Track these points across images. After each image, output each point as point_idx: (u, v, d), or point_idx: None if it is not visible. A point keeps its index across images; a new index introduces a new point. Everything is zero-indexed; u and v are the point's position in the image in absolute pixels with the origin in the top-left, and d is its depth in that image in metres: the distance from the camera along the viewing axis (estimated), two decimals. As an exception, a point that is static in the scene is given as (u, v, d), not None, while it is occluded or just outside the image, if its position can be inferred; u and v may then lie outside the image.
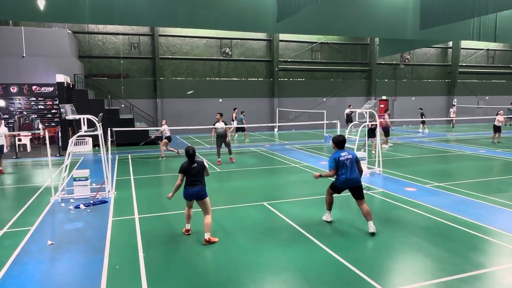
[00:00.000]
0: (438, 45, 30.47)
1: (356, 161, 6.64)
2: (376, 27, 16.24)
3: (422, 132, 24.39)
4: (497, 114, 18.30)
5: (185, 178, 6.20)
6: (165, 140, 14.92)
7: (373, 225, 6.37)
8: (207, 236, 6.01)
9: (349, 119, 22.23)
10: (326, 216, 7.07)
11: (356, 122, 12.07)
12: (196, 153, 6.46)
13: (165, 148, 15.09)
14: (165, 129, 14.94)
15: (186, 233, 6.42)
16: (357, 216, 7.40)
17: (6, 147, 12.66)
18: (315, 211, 7.69)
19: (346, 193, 9.30)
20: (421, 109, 25.62)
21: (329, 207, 7.06)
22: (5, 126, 13.73)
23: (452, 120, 27.48)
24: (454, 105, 28.13)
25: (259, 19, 14.63)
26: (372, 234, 6.29)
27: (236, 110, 22.94)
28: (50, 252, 5.77)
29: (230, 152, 13.77)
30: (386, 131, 16.91)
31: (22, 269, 5.20)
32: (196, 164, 6.23)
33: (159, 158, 14.81)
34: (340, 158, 6.59)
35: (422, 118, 24.60)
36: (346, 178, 6.57)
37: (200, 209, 6.32)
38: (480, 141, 18.58)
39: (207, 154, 15.66)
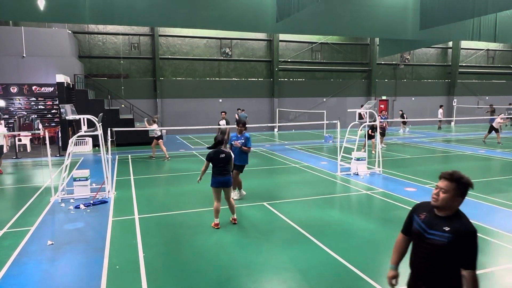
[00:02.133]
0: (438, 45, 30.46)
1: None
2: (376, 27, 16.26)
3: (405, 130, 24.54)
4: (498, 115, 18.30)
5: (212, 167, 6.56)
6: (156, 140, 14.50)
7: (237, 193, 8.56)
8: (235, 215, 6.85)
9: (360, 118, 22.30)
10: (236, 194, 8.48)
11: (356, 122, 12.06)
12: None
13: (155, 149, 14.86)
14: (156, 128, 14.76)
15: (216, 227, 6.62)
16: (357, 216, 7.41)
17: (6, 147, 12.56)
18: (315, 211, 7.70)
19: (346, 193, 9.33)
20: (401, 111, 25.79)
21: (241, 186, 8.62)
22: (4, 126, 13.65)
23: (440, 121, 27.37)
24: (441, 106, 27.97)
25: (259, 19, 14.64)
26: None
27: (239, 111, 22.97)
28: (50, 252, 5.76)
29: None
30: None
31: (22, 269, 5.20)
32: (224, 154, 6.58)
33: (152, 158, 14.59)
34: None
35: (403, 119, 24.60)
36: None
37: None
38: (479, 141, 18.58)
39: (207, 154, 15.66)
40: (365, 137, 14.91)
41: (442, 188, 2.60)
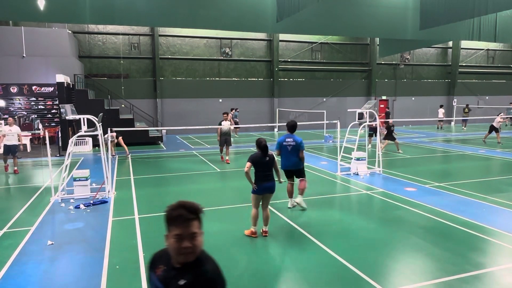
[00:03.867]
0: (438, 45, 30.46)
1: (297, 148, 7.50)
2: (376, 27, 16.24)
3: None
4: (498, 115, 18.31)
5: (255, 172, 6.06)
6: (115, 140, 14.90)
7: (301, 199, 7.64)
8: (266, 228, 6.23)
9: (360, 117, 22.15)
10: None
11: (356, 122, 12.05)
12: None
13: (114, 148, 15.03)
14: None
15: (254, 236, 6.13)
16: (357, 216, 7.41)
17: (21, 147, 12.74)
18: (315, 211, 7.69)
19: (346, 193, 9.32)
20: (387, 108, 25.51)
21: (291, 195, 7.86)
22: (18, 125, 13.81)
23: (441, 121, 27.33)
24: (442, 106, 27.94)
25: (259, 19, 14.62)
26: (297, 205, 7.66)
27: (233, 111, 22.93)
28: (50, 252, 5.76)
29: (227, 153, 14.00)
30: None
31: (22, 269, 5.20)
32: (268, 157, 6.07)
33: (112, 156, 14.51)
34: (284, 143, 7.52)
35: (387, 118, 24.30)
36: (284, 163, 7.66)
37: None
38: (480, 141, 18.58)
39: (207, 154, 15.67)
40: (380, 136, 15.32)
41: (192, 232, 1.87)
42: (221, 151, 14.13)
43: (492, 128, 17.91)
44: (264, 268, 5.14)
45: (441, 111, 27.00)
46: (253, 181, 6.10)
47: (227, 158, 13.91)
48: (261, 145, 6.08)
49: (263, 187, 6.07)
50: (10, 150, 12.16)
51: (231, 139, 14.76)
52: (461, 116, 28.00)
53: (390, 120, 17.07)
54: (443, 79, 32.45)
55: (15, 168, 12.42)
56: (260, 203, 6.26)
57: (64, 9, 12.63)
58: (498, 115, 18.32)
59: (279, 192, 9.30)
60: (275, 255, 5.55)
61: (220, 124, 13.96)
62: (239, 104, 25.38)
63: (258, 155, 6.09)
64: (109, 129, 14.88)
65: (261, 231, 6.25)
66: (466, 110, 26.80)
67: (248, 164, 6.05)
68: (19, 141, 12.40)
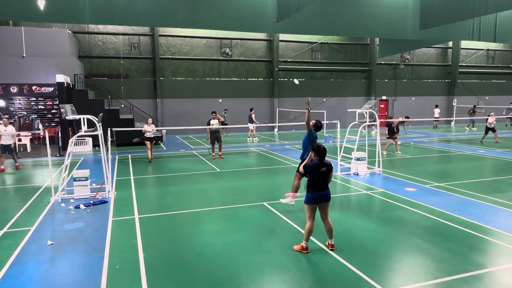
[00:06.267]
0: (438, 45, 30.45)
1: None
2: (376, 27, 16.25)
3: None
4: (488, 115, 18.32)
5: (308, 180, 5.59)
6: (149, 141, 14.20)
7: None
8: (332, 241, 5.74)
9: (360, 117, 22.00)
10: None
11: (356, 122, 12.04)
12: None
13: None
14: (150, 130, 14.26)
15: (306, 252, 5.59)
16: (356, 217, 7.41)
17: (13, 145, 13.03)
18: (315, 211, 7.69)
19: (346, 193, 9.32)
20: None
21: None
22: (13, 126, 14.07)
23: (437, 120, 27.30)
24: (437, 106, 27.93)
25: (259, 19, 14.65)
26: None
27: (253, 110, 22.54)
28: (50, 252, 5.76)
29: (220, 149, 14.69)
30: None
31: (22, 269, 5.20)
32: (325, 168, 5.54)
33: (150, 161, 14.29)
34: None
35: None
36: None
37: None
38: (479, 141, 18.57)
39: (207, 154, 15.67)
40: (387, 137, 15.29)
41: None
42: (213, 150, 14.65)
43: (488, 129, 17.93)
44: (263, 268, 5.14)
45: (437, 111, 27.02)
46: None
47: (220, 153, 14.56)
48: (321, 150, 5.53)
49: (318, 195, 5.52)
50: (7, 149, 12.57)
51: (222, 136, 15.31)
52: (462, 116, 28.01)
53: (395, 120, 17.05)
54: (443, 79, 32.44)
55: (16, 164, 12.96)
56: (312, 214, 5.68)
57: (64, 9, 12.65)
58: (488, 116, 18.31)
59: (278, 192, 9.31)
60: (274, 255, 5.55)
61: (208, 124, 14.39)
62: (240, 104, 25.35)
63: (315, 165, 5.50)
64: (151, 122, 14.47)
65: (326, 244, 5.77)
66: (471, 111, 26.88)
67: (299, 175, 5.52)
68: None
